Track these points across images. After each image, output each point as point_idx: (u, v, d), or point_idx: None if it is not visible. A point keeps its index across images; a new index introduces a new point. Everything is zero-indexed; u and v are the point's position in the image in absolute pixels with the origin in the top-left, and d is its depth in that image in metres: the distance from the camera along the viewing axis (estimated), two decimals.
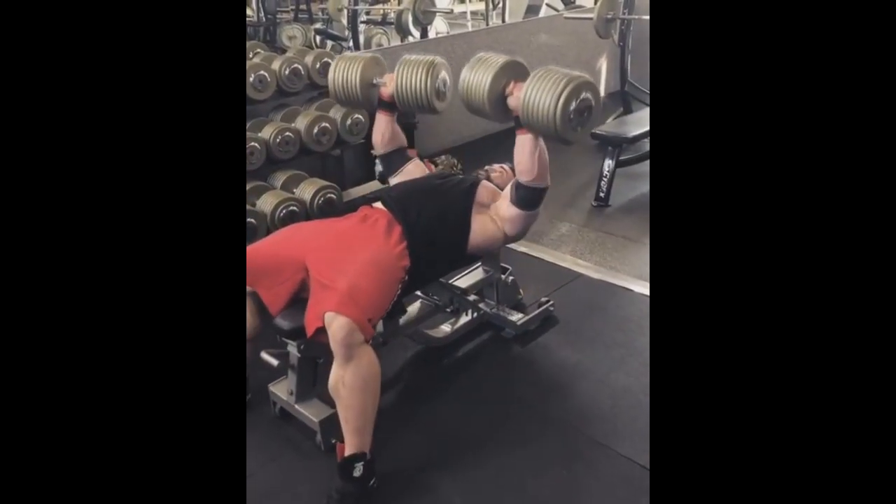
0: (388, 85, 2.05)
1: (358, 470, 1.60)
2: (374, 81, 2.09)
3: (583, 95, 1.63)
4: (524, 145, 1.80)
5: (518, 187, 1.89)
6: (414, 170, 2.20)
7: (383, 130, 2.16)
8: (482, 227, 1.96)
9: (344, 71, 2.08)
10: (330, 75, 2.13)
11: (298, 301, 1.76)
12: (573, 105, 1.62)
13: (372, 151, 2.36)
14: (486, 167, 2.24)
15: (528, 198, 1.90)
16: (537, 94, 1.63)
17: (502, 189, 2.05)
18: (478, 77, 1.77)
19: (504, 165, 2.22)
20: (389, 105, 2.11)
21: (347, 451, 1.61)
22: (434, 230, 1.90)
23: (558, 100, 1.60)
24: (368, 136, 2.42)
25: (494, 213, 1.98)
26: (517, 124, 1.78)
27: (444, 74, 2.00)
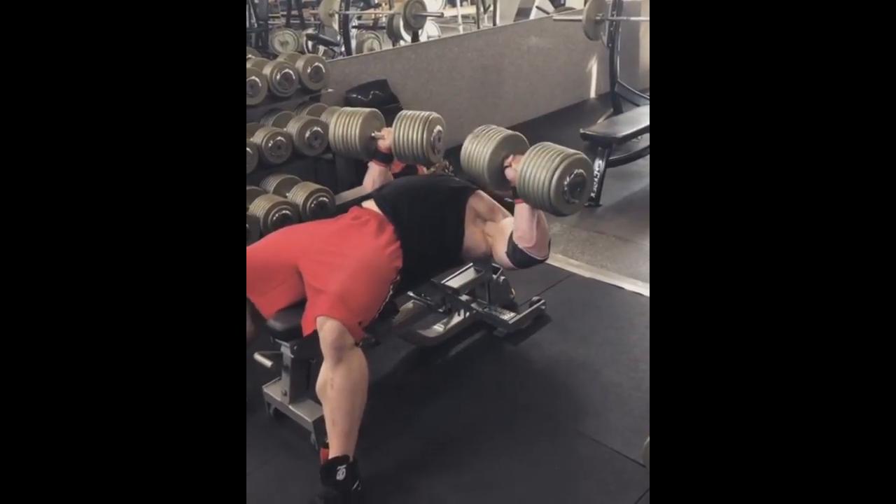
0: (386, 138, 2.10)
1: (341, 473, 1.60)
2: (373, 135, 2.15)
3: (576, 172, 1.68)
4: (522, 214, 1.82)
5: (515, 249, 1.88)
6: None
7: (375, 178, 2.19)
8: (474, 239, 1.97)
9: (344, 125, 2.15)
10: (330, 129, 2.19)
11: (292, 304, 1.77)
12: (567, 180, 1.66)
13: None
14: None
15: (522, 261, 1.91)
16: (533, 170, 1.69)
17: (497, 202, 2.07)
18: (479, 149, 1.82)
19: None
20: (386, 157, 2.15)
21: (331, 454, 1.62)
22: (427, 229, 1.91)
23: (552, 175, 1.66)
24: None
25: (490, 233, 1.98)
26: (515, 194, 1.80)
27: (438, 128, 2.04)
